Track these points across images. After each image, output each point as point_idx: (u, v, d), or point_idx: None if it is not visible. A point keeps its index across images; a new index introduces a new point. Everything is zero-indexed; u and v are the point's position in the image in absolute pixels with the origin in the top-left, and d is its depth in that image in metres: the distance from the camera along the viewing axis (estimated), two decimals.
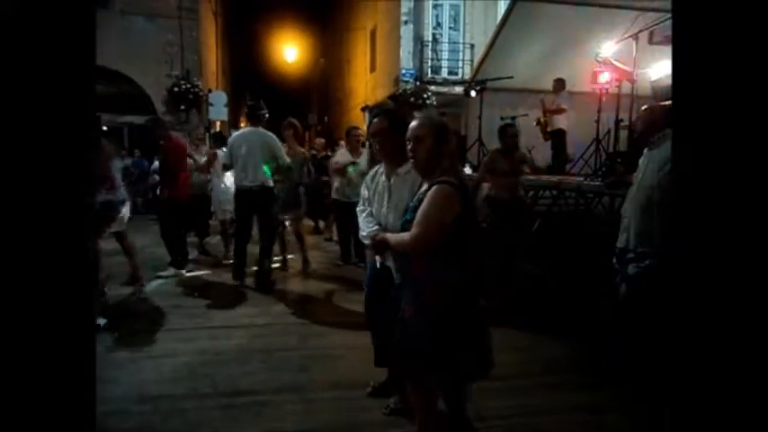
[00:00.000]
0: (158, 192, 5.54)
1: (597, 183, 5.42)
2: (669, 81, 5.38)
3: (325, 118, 24.61)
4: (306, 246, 5.77)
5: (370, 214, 2.38)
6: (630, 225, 2.81)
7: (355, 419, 2.53)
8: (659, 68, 5.70)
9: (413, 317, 1.95)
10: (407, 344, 1.97)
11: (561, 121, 7.55)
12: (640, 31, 5.51)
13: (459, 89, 11.19)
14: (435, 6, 13.33)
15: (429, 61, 13.24)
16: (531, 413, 2.63)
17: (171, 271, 5.34)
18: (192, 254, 6.22)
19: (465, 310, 1.92)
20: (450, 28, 13.50)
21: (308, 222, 7.49)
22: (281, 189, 5.26)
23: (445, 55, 13.45)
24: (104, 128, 10.99)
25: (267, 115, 5.07)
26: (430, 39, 13.32)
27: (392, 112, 2.52)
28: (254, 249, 5.14)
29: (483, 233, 2.01)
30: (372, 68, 16.45)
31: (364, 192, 2.49)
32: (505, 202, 4.84)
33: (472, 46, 12.96)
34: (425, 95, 12.14)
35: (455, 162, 1.99)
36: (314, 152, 8.56)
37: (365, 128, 7.09)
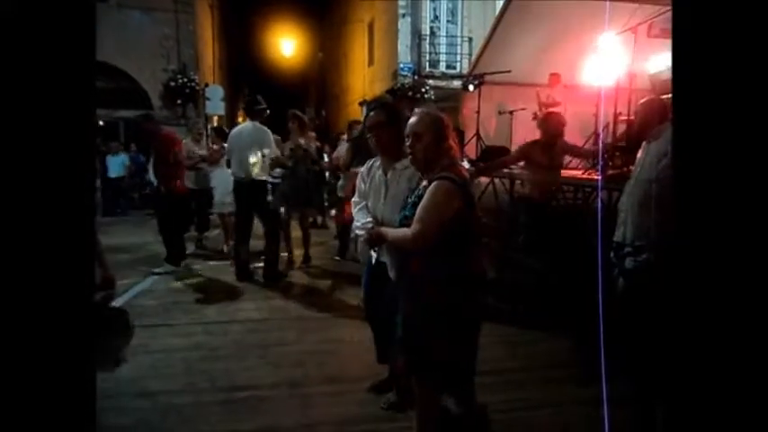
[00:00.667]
0: (155, 187, 5.51)
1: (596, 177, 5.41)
2: (668, 74, 5.37)
3: (323, 112, 24.54)
4: (309, 242, 5.72)
5: (365, 208, 2.37)
6: (627, 219, 2.81)
7: (352, 414, 2.53)
8: (658, 61, 5.67)
9: (411, 314, 1.94)
10: (408, 342, 1.96)
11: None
12: (639, 23, 5.48)
13: (457, 83, 11.15)
14: None
15: (427, 55, 13.20)
16: (530, 407, 2.63)
17: (166, 267, 5.32)
18: (190, 248, 6.21)
19: (464, 307, 1.91)
20: (447, 21, 13.45)
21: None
22: (288, 185, 5.25)
23: (443, 49, 13.40)
24: (100, 123, 10.94)
25: (267, 110, 5.13)
26: (428, 32, 13.27)
27: (388, 105, 2.48)
28: (256, 247, 5.15)
29: (484, 230, 2.00)
30: (370, 62, 16.39)
31: (360, 185, 2.48)
32: (538, 202, 4.15)
33: (470, 39, 12.91)
34: (424, 89, 12.11)
35: (455, 158, 1.95)
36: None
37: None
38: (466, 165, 7.35)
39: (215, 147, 6.32)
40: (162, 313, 4.06)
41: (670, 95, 4.85)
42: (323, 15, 25.07)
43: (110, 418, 2.43)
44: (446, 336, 1.88)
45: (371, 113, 2.39)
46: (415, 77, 12.64)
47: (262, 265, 5.20)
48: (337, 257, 5.81)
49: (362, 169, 2.53)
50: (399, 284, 2.08)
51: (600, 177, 3.46)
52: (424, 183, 1.95)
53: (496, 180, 7.16)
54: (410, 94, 11.97)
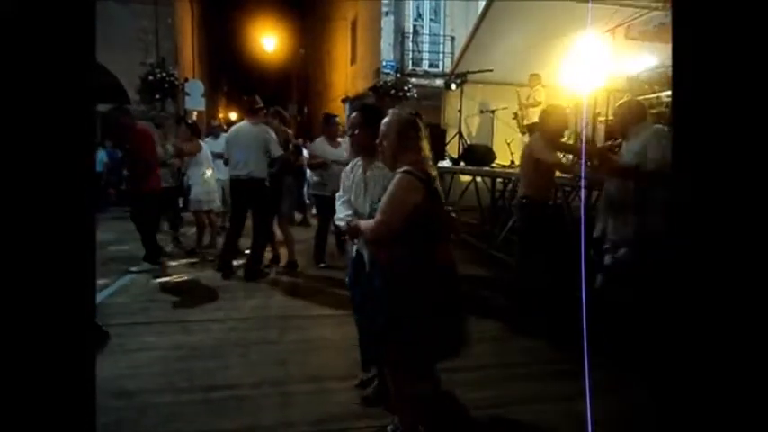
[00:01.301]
0: (129, 184, 5.38)
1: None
2: (646, 75, 5.46)
3: (305, 109, 24.37)
4: (293, 245, 5.49)
5: (348, 201, 2.47)
6: (606, 215, 2.89)
7: (333, 412, 2.53)
8: (636, 63, 5.79)
9: (380, 300, 2.06)
10: (377, 328, 2.07)
11: (537, 115, 7.63)
12: (617, 25, 5.59)
13: (439, 82, 11.19)
14: None
15: (410, 53, 13.21)
16: (508, 403, 2.66)
17: (144, 265, 5.22)
18: (168, 247, 6.10)
19: (430, 296, 2.00)
20: (431, 20, 13.48)
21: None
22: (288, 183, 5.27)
23: (426, 47, 13.43)
24: None
25: (264, 109, 5.20)
26: (411, 31, 13.28)
27: (367, 107, 2.66)
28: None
29: (453, 225, 2.07)
30: (353, 60, 16.33)
31: (344, 180, 2.58)
32: (545, 204, 3.72)
33: (453, 38, 12.97)
34: (406, 88, 12.12)
35: (421, 156, 2.06)
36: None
37: (345, 120, 7.03)
38: (447, 163, 7.41)
39: (193, 144, 6.16)
40: (139, 312, 3.98)
41: (646, 96, 4.97)
42: (305, 12, 24.88)
43: None
44: (410, 322, 1.98)
45: (353, 115, 2.54)
46: (398, 76, 12.64)
47: (244, 262, 5.15)
48: (322, 264, 5.54)
49: (347, 167, 2.62)
50: (372, 273, 2.19)
51: (582, 176, 3.47)
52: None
53: (478, 179, 7.22)
54: (392, 92, 11.96)
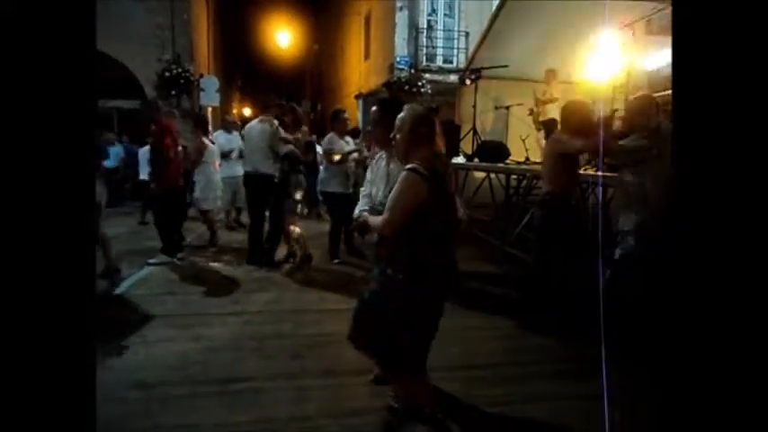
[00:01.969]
0: (150, 179, 5.46)
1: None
2: (667, 71, 5.38)
3: (318, 106, 24.39)
4: (304, 240, 5.48)
5: (368, 195, 2.47)
6: (618, 209, 2.94)
7: (348, 406, 2.55)
8: (656, 58, 5.69)
9: (374, 292, 2.12)
10: (364, 317, 2.16)
11: (553, 111, 7.55)
12: (637, 20, 5.49)
13: (453, 78, 11.12)
14: None
15: (424, 49, 13.13)
16: (522, 401, 2.66)
17: (161, 258, 5.30)
18: (185, 241, 6.18)
19: (423, 294, 2.04)
20: (445, 15, 13.38)
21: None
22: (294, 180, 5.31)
23: (440, 43, 13.34)
24: None
25: (280, 105, 5.45)
26: (425, 26, 13.20)
27: (386, 101, 2.67)
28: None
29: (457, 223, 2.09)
30: (366, 55, 16.29)
31: (368, 173, 2.59)
32: (568, 201, 3.61)
33: (467, 34, 12.87)
34: (420, 84, 12.06)
35: (431, 151, 2.05)
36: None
37: (359, 116, 7.03)
38: (461, 159, 7.38)
39: (199, 141, 6.14)
40: (158, 304, 4.05)
41: (665, 92, 4.89)
42: (319, 7, 24.86)
43: (107, 410, 2.43)
44: (403, 320, 2.03)
45: (372, 109, 2.54)
46: (412, 71, 12.57)
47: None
48: (337, 260, 5.57)
49: (373, 160, 2.64)
50: (376, 265, 2.23)
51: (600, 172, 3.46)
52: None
53: (492, 175, 7.18)
54: (406, 88, 11.91)
